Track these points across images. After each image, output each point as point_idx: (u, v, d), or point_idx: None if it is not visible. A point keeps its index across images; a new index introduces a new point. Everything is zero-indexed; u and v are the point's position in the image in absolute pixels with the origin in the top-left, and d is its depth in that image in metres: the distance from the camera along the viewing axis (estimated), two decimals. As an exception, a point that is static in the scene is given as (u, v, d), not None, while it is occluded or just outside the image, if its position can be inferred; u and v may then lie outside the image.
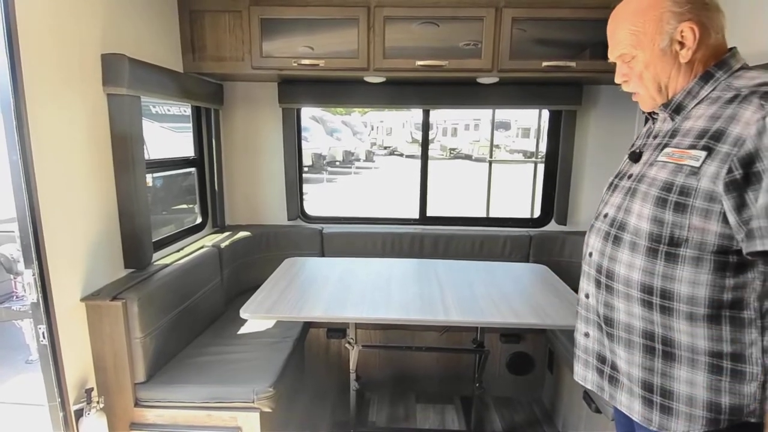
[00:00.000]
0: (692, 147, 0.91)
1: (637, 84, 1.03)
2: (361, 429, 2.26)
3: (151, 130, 5.82)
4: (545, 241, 2.69)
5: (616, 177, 1.11)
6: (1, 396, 2.44)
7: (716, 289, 0.89)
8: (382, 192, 10.17)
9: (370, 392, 2.56)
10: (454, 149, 19.71)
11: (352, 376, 2.09)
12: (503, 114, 17.42)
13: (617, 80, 1.08)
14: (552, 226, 2.81)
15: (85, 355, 1.64)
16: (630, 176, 1.04)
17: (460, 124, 19.64)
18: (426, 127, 2.86)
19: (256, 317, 1.71)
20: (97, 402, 1.62)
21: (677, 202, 0.89)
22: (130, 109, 1.79)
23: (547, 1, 2.13)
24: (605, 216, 1.06)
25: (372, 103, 2.70)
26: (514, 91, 2.56)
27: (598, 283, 1.05)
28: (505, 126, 18.31)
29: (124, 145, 1.79)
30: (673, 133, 0.98)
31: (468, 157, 17.74)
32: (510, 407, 2.48)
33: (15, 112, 1.31)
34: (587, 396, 1.84)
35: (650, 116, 1.11)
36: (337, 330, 2.48)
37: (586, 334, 1.12)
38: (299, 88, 2.60)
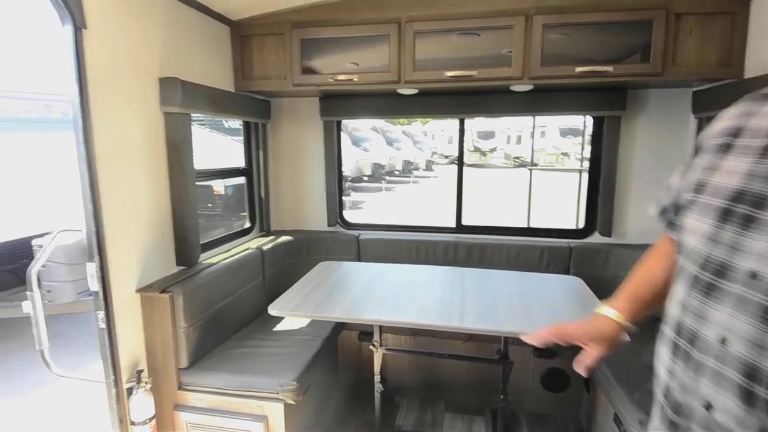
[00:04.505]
0: None
1: None
2: (386, 431, 2.31)
3: (222, 143, 6.38)
4: (587, 253, 2.56)
5: (739, 202, 0.68)
6: (85, 375, 2.84)
7: None
8: (437, 201, 10.12)
9: (400, 396, 2.60)
10: (518, 158, 19.08)
11: (377, 378, 2.16)
12: (573, 119, 16.58)
13: None
14: (596, 238, 2.67)
15: (138, 340, 1.88)
16: None
17: (525, 132, 19.00)
18: (461, 135, 2.88)
19: (282, 314, 1.85)
20: (146, 382, 1.84)
21: None
22: (182, 125, 2.03)
23: (580, 6, 2.07)
24: (753, 276, 0.63)
25: (407, 113, 2.78)
26: (552, 97, 2.49)
27: (747, 395, 0.63)
28: (576, 132, 17.39)
29: (177, 156, 2.03)
30: None
31: (534, 166, 17.08)
32: (543, 424, 2.39)
33: (83, 129, 1.56)
34: (617, 418, 1.75)
35: None
36: (369, 333, 2.56)
37: None
38: (339, 102, 2.75)
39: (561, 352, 2.39)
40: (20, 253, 3.50)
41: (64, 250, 3.11)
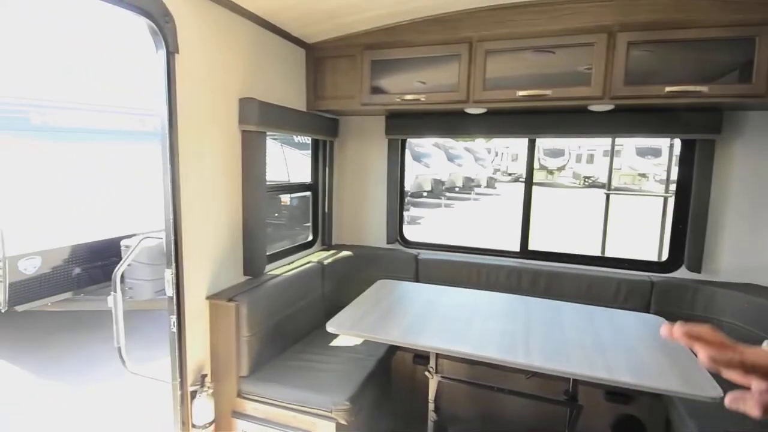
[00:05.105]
0: None
1: None
2: None
3: (293, 157, 6.67)
4: (672, 289, 2.31)
5: None
6: (153, 372, 3.04)
7: None
8: (499, 220, 9.80)
9: (454, 428, 2.49)
10: (589, 177, 18.05)
11: (431, 406, 2.08)
12: (652, 138, 15.47)
13: None
14: (682, 273, 2.41)
15: (204, 345, 1.97)
16: None
17: (597, 150, 17.97)
18: (531, 155, 2.75)
19: (339, 332, 1.84)
20: (208, 387, 1.92)
21: None
22: (257, 142, 2.14)
23: (671, 22, 1.91)
24: None
25: (475, 133, 2.71)
26: (634, 118, 2.30)
27: None
28: (655, 153, 16.14)
29: (251, 172, 2.13)
30: None
31: (610, 188, 16.05)
32: None
33: (170, 145, 1.69)
34: None
35: None
36: (424, 356, 2.49)
37: None
38: (404, 121, 2.76)
39: (636, 398, 2.17)
40: (110, 252, 3.85)
41: (148, 251, 3.38)
